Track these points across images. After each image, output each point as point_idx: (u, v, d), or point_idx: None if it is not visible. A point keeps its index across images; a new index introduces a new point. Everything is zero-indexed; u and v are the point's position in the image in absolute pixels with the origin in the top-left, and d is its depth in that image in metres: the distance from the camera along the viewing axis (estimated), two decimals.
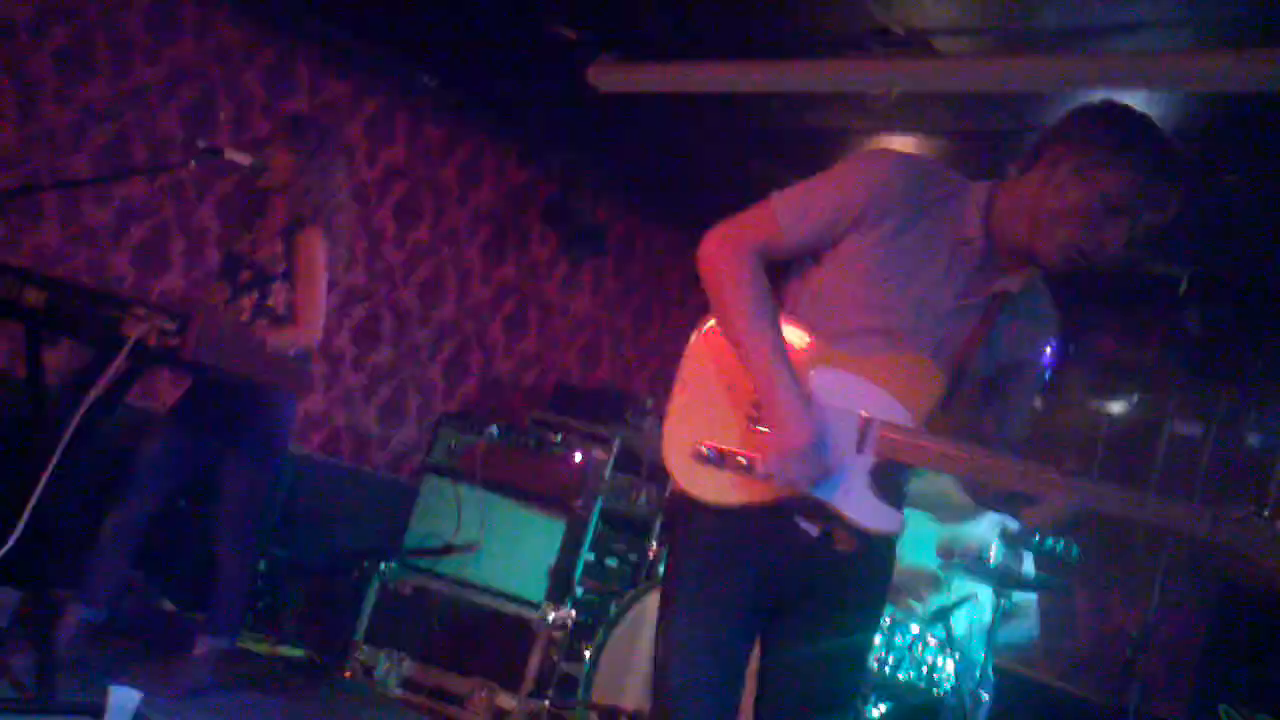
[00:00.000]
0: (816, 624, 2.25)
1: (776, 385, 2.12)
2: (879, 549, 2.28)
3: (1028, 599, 4.80)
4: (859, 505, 2.13)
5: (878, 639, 4.11)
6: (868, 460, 2.13)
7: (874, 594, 2.35)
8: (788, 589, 2.23)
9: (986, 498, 2.41)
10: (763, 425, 2.15)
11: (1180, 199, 2.14)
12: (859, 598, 2.30)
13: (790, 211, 2.20)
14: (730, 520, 2.19)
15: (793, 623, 2.27)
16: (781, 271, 2.30)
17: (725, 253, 2.21)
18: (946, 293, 2.21)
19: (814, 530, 2.20)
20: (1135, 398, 6.13)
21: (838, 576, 2.24)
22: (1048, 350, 2.38)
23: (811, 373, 2.17)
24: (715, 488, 2.18)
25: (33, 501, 2.94)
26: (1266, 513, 1.96)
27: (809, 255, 2.25)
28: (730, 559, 2.21)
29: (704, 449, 2.17)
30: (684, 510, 2.24)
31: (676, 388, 2.27)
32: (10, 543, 2.90)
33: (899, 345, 2.18)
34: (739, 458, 2.14)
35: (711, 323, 2.26)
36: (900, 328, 2.18)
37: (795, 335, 2.20)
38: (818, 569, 2.22)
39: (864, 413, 2.15)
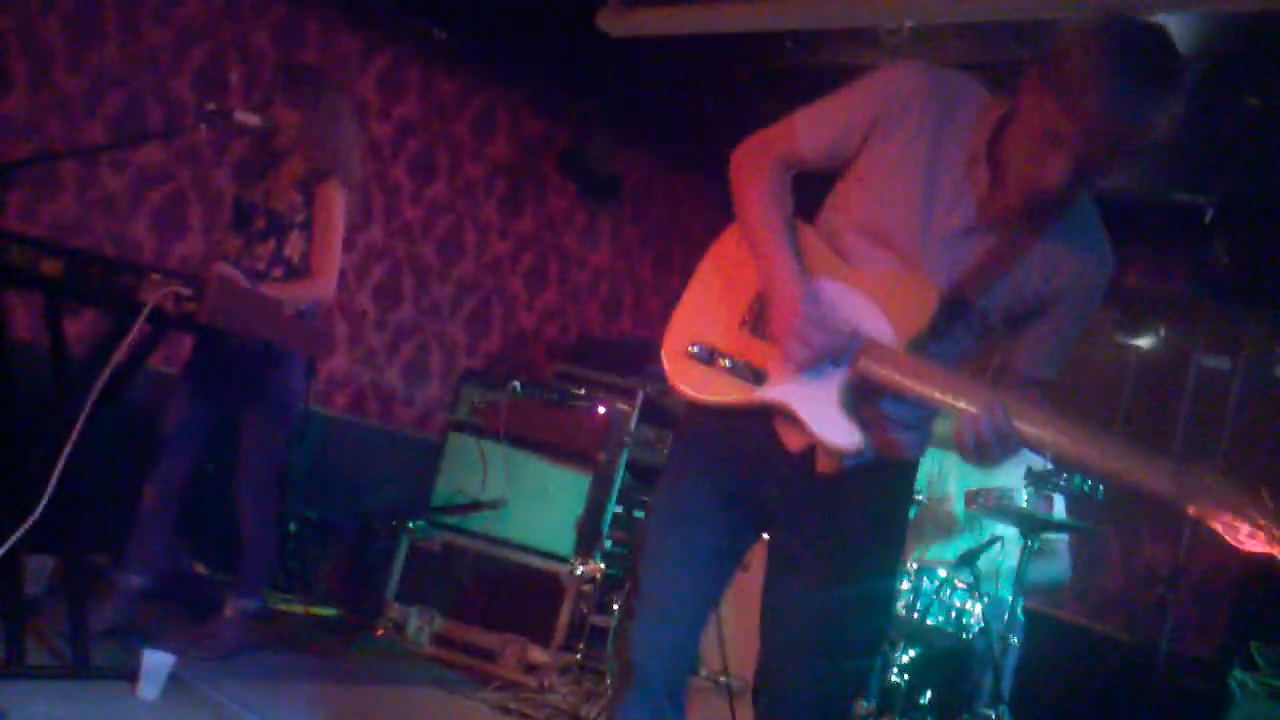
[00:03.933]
0: (811, 557, 2.20)
1: (779, 267, 2.15)
2: (880, 480, 2.21)
3: (1059, 538, 4.77)
4: (819, 413, 2.11)
5: (904, 584, 4.09)
6: (842, 374, 2.12)
7: (878, 529, 2.25)
8: (771, 500, 2.23)
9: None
10: (755, 330, 2.20)
11: (1140, 134, 1.95)
12: (857, 529, 2.20)
13: (808, 122, 2.23)
14: (711, 416, 2.24)
15: (787, 550, 2.25)
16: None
17: (748, 161, 2.28)
18: (955, 216, 2.14)
19: (796, 446, 2.18)
20: (1162, 331, 6.05)
21: (828, 502, 2.18)
22: (1093, 283, 2.19)
23: (816, 282, 2.18)
24: (700, 384, 2.22)
25: (59, 468, 2.96)
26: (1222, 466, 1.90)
27: (835, 170, 2.25)
28: (707, 451, 2.27)
29: (693, 348, 2.23)
30: (681, 408, 2.31)
31: (687, 287, 2.33)
32: (39, 510, 2.92)
33: (904, 263, 2.15)
34: (724, 359, 2.20)
35: (728, 229, 2.32)
36: (905, 246, 2.15)
37: (809, 245, 2.23)
38: (803, 488, 2.19)
39: (854, 328, 2.13)
